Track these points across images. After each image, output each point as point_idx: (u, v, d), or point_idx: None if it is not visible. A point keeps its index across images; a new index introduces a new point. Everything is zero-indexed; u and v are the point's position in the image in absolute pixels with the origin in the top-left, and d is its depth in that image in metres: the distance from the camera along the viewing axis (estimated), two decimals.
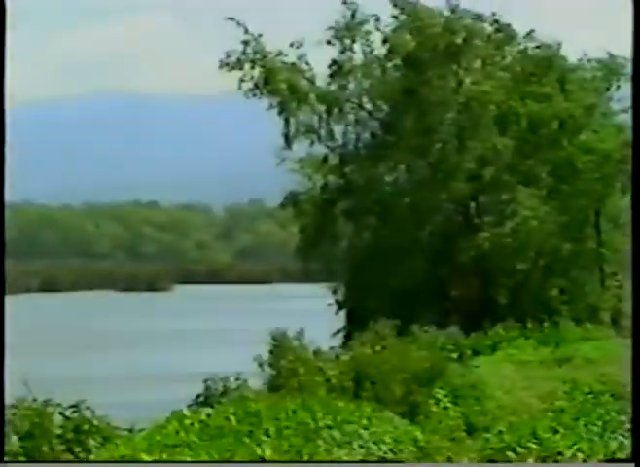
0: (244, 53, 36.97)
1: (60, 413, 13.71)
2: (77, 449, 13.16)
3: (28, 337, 45.21)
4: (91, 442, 13.28)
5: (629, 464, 8.92)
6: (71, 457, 12.85)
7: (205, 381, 20.08)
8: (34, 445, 13.02)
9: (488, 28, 38.22)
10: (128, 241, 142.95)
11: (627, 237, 28.35)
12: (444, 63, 37.45)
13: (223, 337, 57.39)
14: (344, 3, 37.65)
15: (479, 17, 38.02)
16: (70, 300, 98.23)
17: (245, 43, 36.98)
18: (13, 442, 12.98)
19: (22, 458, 12.69)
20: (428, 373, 17.38)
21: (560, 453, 9.93)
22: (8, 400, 13.63)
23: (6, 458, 12.40)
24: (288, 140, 37.32)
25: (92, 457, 10.91)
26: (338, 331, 37.34)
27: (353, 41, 37.69)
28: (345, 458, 9.66)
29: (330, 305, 37.95)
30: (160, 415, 12.21)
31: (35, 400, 13.73)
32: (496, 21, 38.33)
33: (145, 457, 8.98)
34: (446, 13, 37.72)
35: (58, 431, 13.39)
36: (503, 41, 38.65)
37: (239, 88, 37.03)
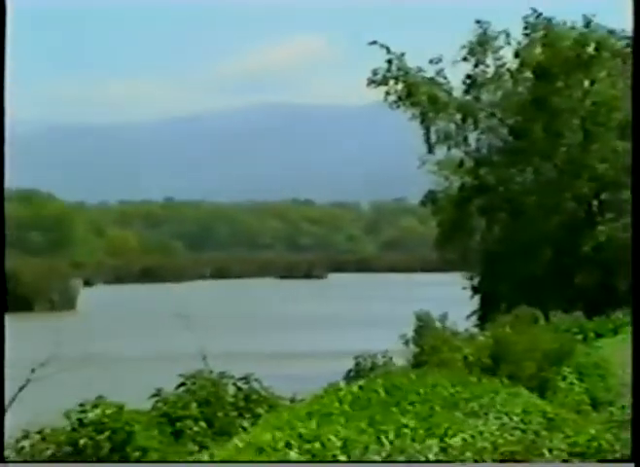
0: (389, 70, 37.25)
1: (233, 384, 13.98)
2: (247, 415, 13.40)
3: (204, 317, 46.13)
4: (259, 410, 13.50)
5: (629, 464, 8.34)
6: (243, 422, 13.06)
7: (356, 358, 20.17)
8: (211, 411, 13.30)
9: (619, 43, 37.37)
10: (287, 235, 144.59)
11: None
12: (573, 74, 36.86)
13: (370, 319, 57.50)
14: (477, 22, 37.55)
15: (610, 32, 37.26)
16: (237, 286, 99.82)
17: (389, 62, 37.25)
18: (192, 408, 13.29)
19: (202, 423, 12.96)
20: (557, 353, 17.12)
21: None
22: (188, 371, 14.02)
23: (188, 421, 12.72)
24: (430, 146, 37.51)
25: (260, 422, 11.05)
26: (473, 313, 37.26)
27: (485, 56, 37.50)
28: (481, 428, 9.51)
29: (464, 288, 37.92)
30: (317, 388, 12.29)
31: (211, 372, 14.02)
32: (627, 37, 37.53)
33: (300, 425, 8.97)
34: (580, 25, 37.19)
35: (231, 400, 13.64)
36: (631, 55, 37.82)
37: (385, 100, 37.37)
